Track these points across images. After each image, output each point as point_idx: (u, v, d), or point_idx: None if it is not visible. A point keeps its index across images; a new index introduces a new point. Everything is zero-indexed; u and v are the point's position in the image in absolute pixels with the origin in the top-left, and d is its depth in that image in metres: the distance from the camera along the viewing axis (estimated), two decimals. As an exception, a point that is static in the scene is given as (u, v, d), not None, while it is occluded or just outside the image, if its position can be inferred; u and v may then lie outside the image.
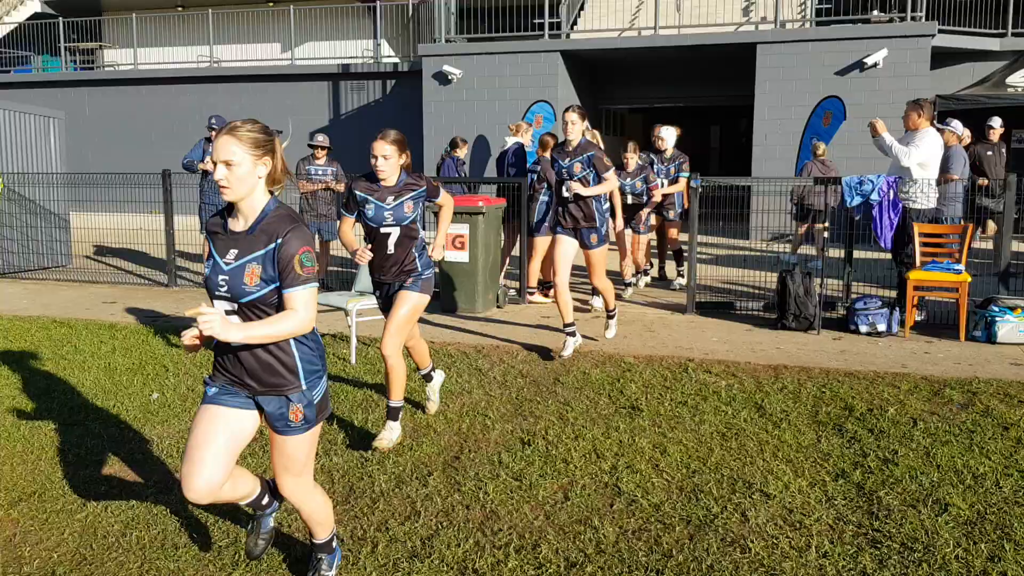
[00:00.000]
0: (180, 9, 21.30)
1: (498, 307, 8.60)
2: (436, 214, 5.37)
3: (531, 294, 8.85)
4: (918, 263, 7.33)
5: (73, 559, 3.49)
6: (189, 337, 2.83)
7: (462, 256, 8.19)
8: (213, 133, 9.84)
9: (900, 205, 7.51)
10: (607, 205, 6.83)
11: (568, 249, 6.54)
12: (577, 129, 6.41)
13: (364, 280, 6.96)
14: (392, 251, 4.78)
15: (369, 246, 4.83)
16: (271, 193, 2.95)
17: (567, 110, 6.42)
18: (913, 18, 14.25)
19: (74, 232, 11.82)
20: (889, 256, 7.88)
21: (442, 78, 16.32)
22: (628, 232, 9.12)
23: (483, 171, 16.27)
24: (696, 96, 17.82)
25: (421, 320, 7.87)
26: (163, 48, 21.43)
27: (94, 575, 3.36)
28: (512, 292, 9.00)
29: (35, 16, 22.13)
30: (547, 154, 9.21)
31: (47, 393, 5.78)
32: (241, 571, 3.37)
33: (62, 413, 5.36)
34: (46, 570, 3.41)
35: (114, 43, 22.31)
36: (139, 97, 19.94)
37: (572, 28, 16.97)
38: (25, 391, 5.84)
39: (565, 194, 6.45)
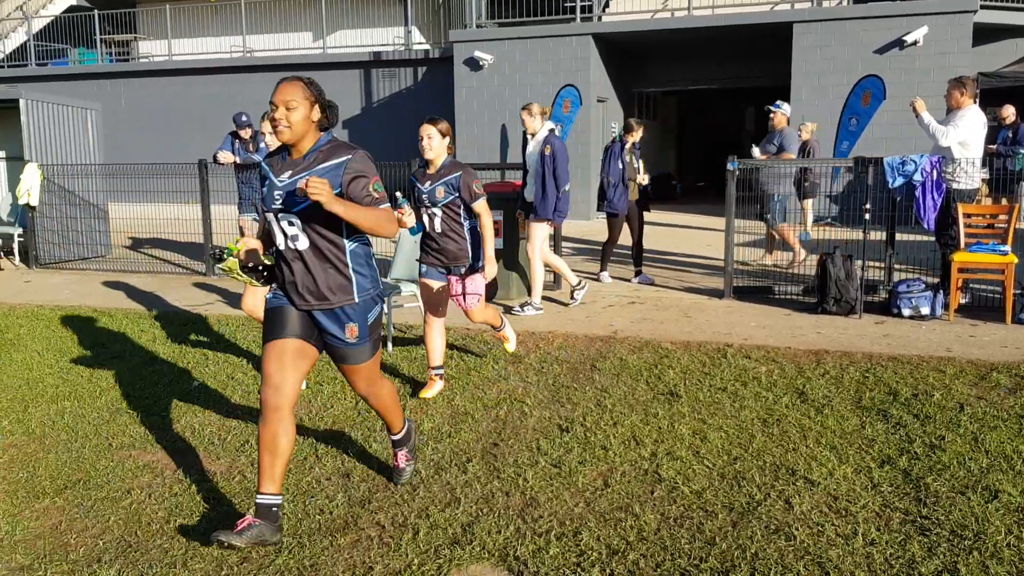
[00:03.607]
0: (213, 0, 21.45)
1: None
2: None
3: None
4: (962, 244, 7.17)
5: (118, 546, 3.53)
6: None
7: (496, 242, 8.14)
8: (241, 131, 9.88)
9: (943, 186, 7.34)
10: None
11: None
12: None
13: (399, 268, 6.96)
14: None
15: None
16: None
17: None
18: (954, -6, 13.93)
19: (112, 222, 11.97)
20: (932, 238, 7.72)
21: (473, 64, 16.27)
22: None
23: (514, 156, 16.21)
24: (731, 77, 17.60)
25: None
26: (197, 39, 21.60)
27: (139, 562, 3.39)
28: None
29: (71, 9, 22.41)
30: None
31: (89, 382, 5.86)
32: (284, 558, 3.39)
33: (104, 402, 5.43)
34: (92, 557, 3.45)
35: (149, 35, 22.52)
36: (174, 88, 20.13)
37: (604, 11, 16.82)
38: (67, 380, 5.93)
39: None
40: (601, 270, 9.26)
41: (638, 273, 9.14)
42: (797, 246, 9.85)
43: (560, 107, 15.77)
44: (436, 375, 5.49)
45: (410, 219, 5.05)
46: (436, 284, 5.51)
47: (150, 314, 7.87)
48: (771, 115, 9.90)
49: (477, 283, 5.52)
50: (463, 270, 5.47)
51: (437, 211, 5.38)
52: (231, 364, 6.22)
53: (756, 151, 9.75)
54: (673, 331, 6.82)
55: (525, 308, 7.63)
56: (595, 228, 14.76)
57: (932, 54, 13.74)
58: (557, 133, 7.79)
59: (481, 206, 5.37)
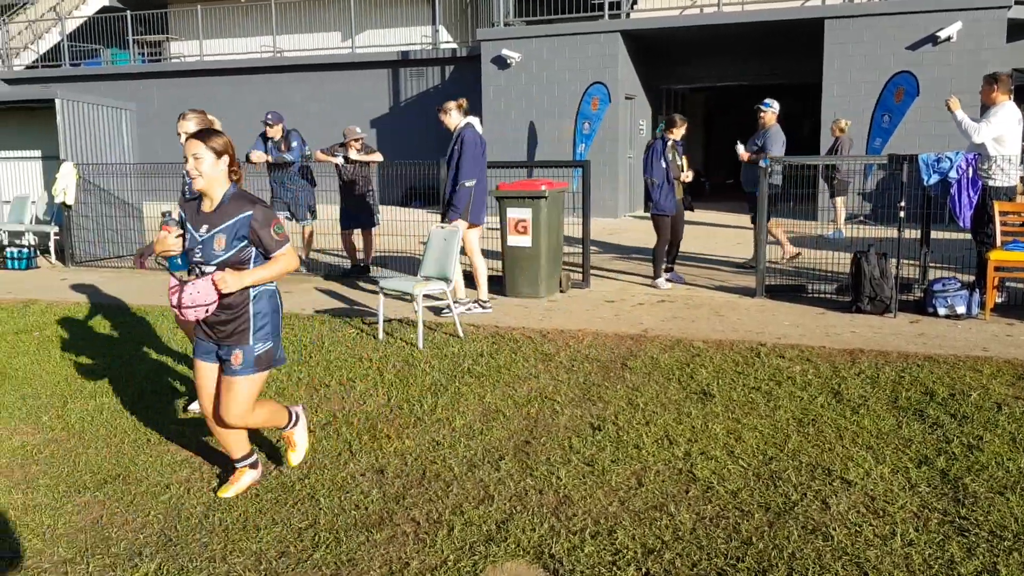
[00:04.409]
0: (243, 0, 21.64)
1: (561, 291, 8.57)
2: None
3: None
4: (999, 243, 7.08)
5: (158, 540, 3.58)
6: None
7: (525, 240, 8.17)
8: (269, 128, 9.97)
9: (979, 183, 7.25)
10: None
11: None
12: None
13: (429, 265, 6.99)
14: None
15: None
16: None
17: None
18: (989, -12, 13.73)
19: (147, 221, 12.12)
20: (968, 236, 7.63)
21: (501, 62, 16.28)
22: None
23: (541, 154, 16.22)
24: (760, 74, 17.47)
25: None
26: (227, 39, 21.80)
27: (179, 556, 3.44)
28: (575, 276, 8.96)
29: (103, 10, 22.71)
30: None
31: (127, 378, 5.94)
32: (321, 553, 3.42)
33: (142, 397, 5.50)
34: (133, 551, 3.50)
35: (180, 35, 22.77)
36: (205, 88, 20.34)
37: (632, 8, 16.76)
38: (106, 377, 6.02)
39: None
40: (655, 276, 8.80)
41: (669, 270, 9.06)
42: (785, 242, 9.94)
43: (588, 104, 15.74)
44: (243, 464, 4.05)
45: (175, 242, 3.66)
46: (207, 367, 3.88)
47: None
48: (760, 114, 9.75)
49: (246, 354, 3.75)
50: (236, 349, 3.75)
51: (211, 271, 3.68)
52: (264, 361, 6.28)
53: (740, 148, 9.65)
54: (705, 330, 6.79)
55: (464, 307, 7.59)
56: (621, 226, 14.73)
57: (966, 50, 13.56)
58: (477, 127, 7.58)
59: (285, 254, 3.73)
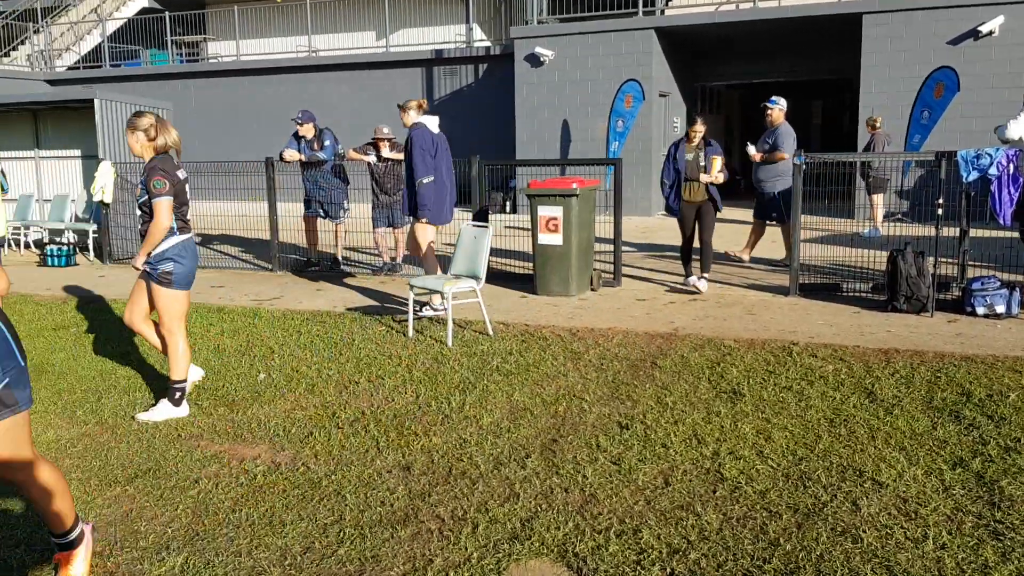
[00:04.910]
0: (279, 0, 21.83)
1: (592, 290, 8.53)
2: None
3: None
4: (1041, 241, 6.92)
5: (186, 535, 3.62)
6: None
7: (556, 239, 8.14)
8: (299, 127, 10.04)
9: (1020, 180, 7.09)
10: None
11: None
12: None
13: (460, 263, 7.00)
14: None
15: None
16: None
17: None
18: (1033, -19, 13.42)
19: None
20: (1008, 234, 7.46)
21: (534, 60, 16.25)
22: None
23: (574, 152, 16.17)
24: (797, 70, 17.25)
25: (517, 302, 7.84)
26: (263, 39, 22.02)
27: (206, 550, 3.47)
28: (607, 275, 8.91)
29: (143, 11, 23.04)
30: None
31: (160, 374, 6.02)
32: (346, 548, 3.43)
33: (174, 393, 5.56)
34: (161, 544, 3.54)
35: (217, 36, 23.04)
36: (241, 88, 20.56)
37: (666, 4, 16.64)
38: (139, 371, 6.10)
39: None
40: (686, 275, 8.53)
41: (700, 277, 8.61)
42: (751, 246, 9.84)
43: (622, 102, 15.66)
44: None
45: None
46: None
47: (218, 308, 8.05)
48: (767, 112, 9.54)
49: None
50: None
51: None
52: (296, 358, 6.33)
53: (751, 149, 9.48)
54: (736, 328, 6.72)
55: (424, 309, 7.54)
56: (654, 224, 14.63)
57: (1008, 44, 13.26)
58: (431, 127, 7.55)
59: None
